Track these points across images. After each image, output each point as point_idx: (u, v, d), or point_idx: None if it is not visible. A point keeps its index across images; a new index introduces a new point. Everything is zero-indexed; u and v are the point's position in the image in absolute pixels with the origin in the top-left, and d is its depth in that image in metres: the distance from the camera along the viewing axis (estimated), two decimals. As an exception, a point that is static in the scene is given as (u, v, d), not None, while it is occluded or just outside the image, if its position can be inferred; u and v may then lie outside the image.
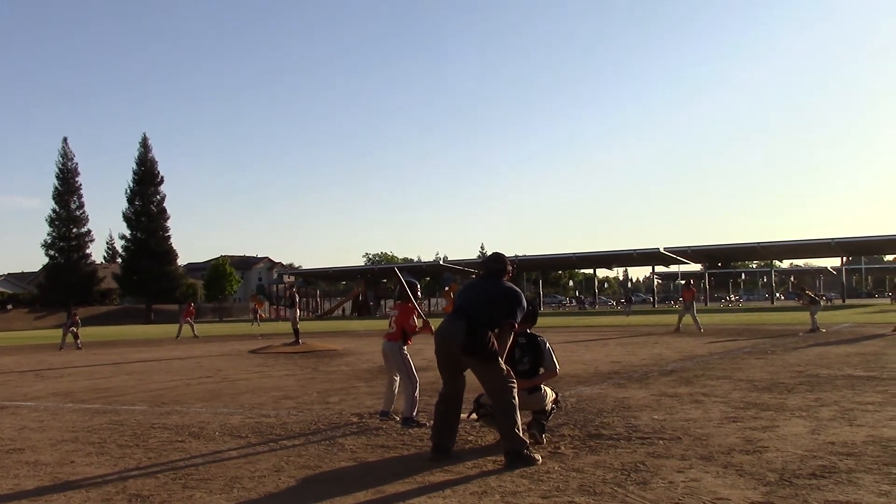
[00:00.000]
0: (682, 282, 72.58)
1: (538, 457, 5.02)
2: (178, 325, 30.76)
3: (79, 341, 22.75)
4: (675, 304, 56.28)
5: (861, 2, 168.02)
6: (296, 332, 19.42)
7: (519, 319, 5.35)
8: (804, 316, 22.48)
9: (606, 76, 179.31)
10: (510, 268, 5.58)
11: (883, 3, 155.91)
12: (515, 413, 5.07)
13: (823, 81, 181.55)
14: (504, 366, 5.19)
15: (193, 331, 28.79)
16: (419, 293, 7.25)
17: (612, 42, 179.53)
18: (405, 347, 6.95)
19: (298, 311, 21.03)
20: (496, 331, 5.21)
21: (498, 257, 5.60)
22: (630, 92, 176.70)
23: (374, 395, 8.88)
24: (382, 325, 7.67)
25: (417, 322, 6.96)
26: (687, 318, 21.98)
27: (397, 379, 6.98)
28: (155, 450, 5.98)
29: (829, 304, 59.43)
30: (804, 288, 26.65)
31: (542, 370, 5.80)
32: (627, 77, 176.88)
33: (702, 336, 19.21)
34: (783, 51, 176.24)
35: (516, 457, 4.94)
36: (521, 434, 5.05)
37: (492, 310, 5.25)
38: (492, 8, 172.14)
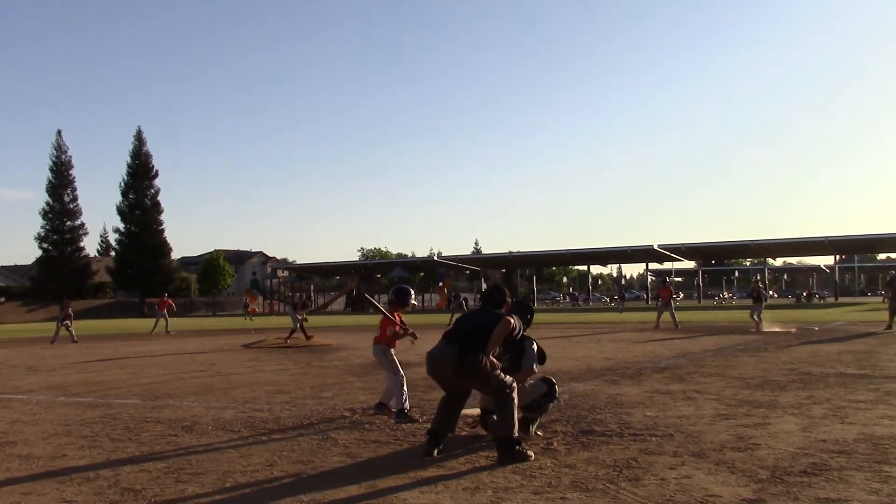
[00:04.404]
0: (653, 278, 72.73)
1: (531, 453, 5.05)
2: (164, 319, 29.20)
3: (73, 333, 22.63)
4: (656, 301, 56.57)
5: (858, 6, 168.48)
6: (293, 328, 19.33)
7: (518, 325, 5.40)
8: (797, 314, 22.55)
9: (603, 76, 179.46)
10: (509, 300, 5.75)
11: (877, 7, 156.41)
12: (513, 410, 5.12)
13: (818, 82, 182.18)
14: (502, 375, 5.24)
15: (167, 324, 27.36)
16: (412, 298, 7.42)
17: (610, 43, 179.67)
18: (392, 350, 7.14)
19: (305, 314, 21.08)
20: (488, 355, 5.23)
21: (498, 289, 5.79)
22: (625, 91, 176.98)
23: (368, 391, 8.88)
24: (376, 320, 7.68)
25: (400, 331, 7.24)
26: (666, 316, 22.26)
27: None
28: (148, 443, 5.97)
29: (821, 301, 59.67)
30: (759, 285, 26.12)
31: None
32: (623, 77, 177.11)
33: (692, 333, 19.27)
34: (777, 52, 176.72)
35: (509, 453, 4.97)
36: (514, 431, 5.08)
37: (486, 337, 5.27)
38: (488, 7, 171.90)
